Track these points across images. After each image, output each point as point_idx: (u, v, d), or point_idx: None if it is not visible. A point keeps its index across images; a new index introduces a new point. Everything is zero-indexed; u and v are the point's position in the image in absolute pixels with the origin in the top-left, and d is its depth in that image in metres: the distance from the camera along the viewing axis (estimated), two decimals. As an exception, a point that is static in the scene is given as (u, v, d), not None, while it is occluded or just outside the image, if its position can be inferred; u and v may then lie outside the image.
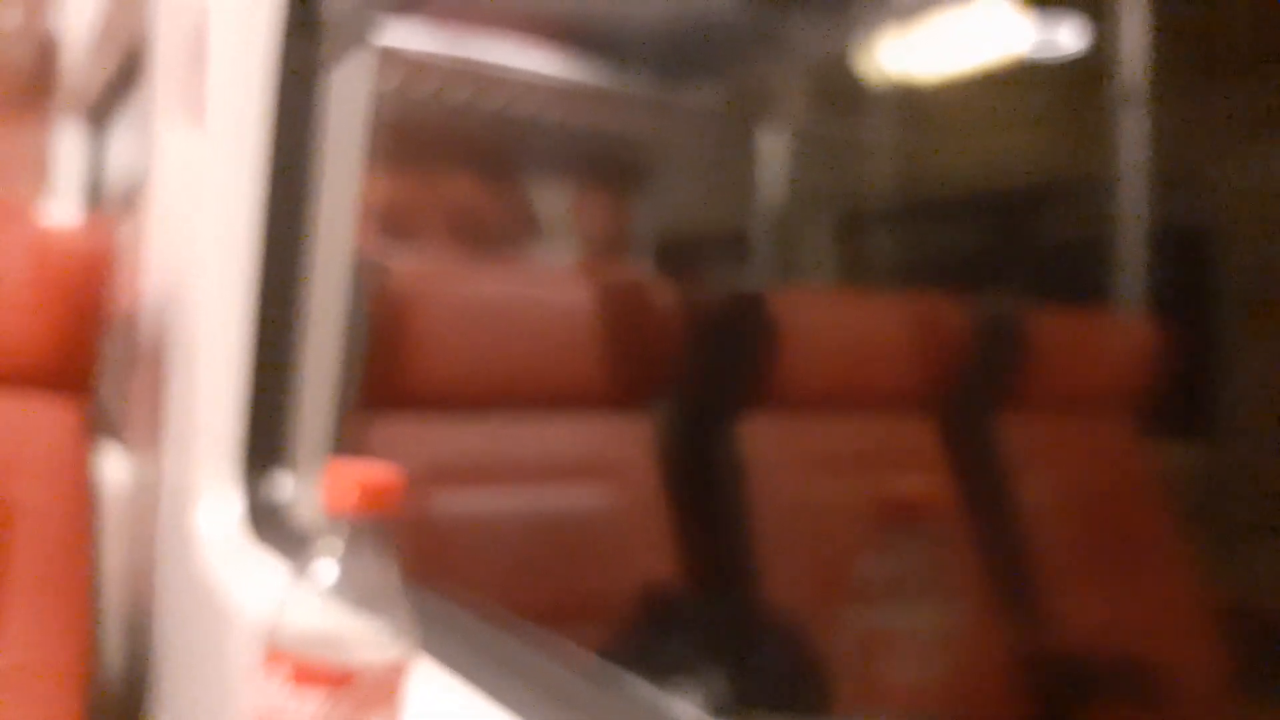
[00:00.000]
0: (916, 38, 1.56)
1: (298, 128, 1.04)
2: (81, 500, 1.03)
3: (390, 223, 1.78)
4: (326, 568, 0.51)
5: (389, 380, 1.23)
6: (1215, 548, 1.15)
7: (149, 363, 1.20)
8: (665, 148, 2.03)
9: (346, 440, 1.06)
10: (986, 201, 1.49)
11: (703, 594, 1.32)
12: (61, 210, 2.32)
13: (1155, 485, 1.34)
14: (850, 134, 1.78)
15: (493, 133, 1.88)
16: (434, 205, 1.85)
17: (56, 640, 0.97)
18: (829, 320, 1.46)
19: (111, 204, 2.10)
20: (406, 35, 1.70)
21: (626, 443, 1.37)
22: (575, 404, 1.35)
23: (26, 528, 0.98)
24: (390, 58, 1.56)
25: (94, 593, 1.03)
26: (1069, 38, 1.38)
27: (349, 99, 1.04)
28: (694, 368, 1.46)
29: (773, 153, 1.92)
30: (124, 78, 1.85)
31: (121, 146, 2.05)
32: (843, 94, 1.79)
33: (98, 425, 1.10)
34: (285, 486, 1.03)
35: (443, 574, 1.15)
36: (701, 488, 1.36)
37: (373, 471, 0.52)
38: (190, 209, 1.11)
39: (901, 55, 1.59)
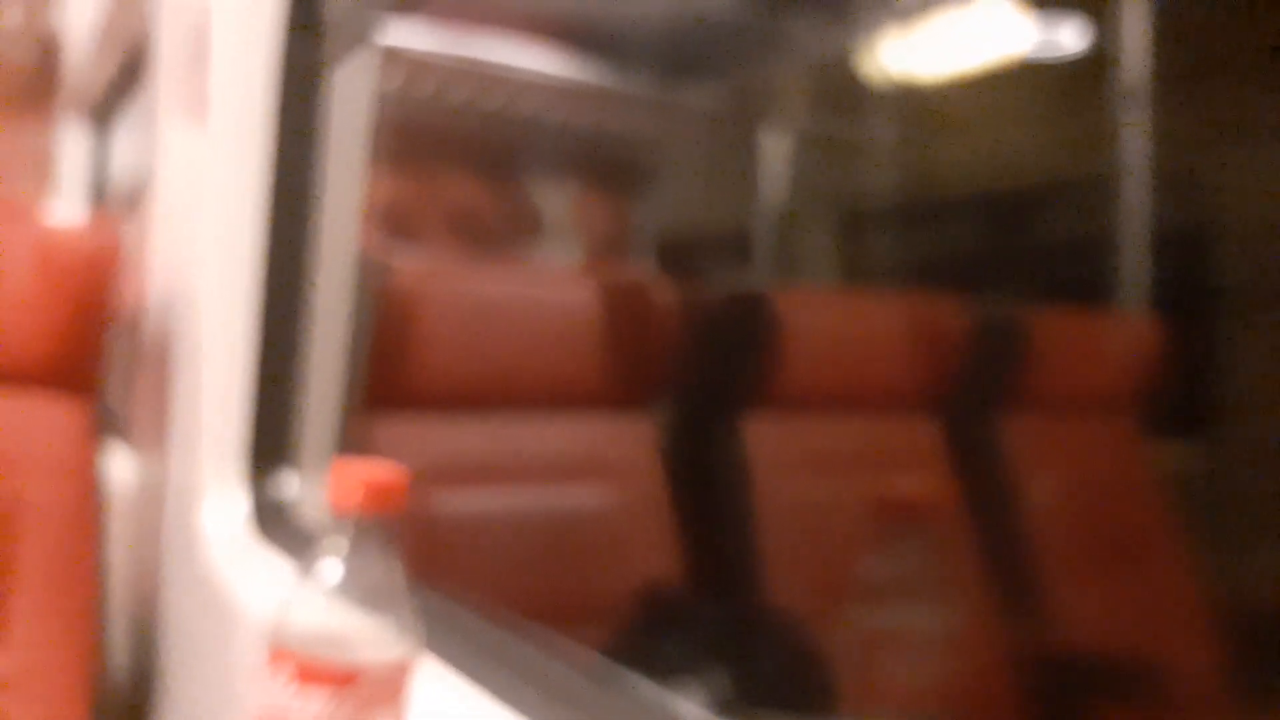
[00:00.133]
0: (918, 37, 1.56)
1: (300, 127, 1.04)
2: (87, 499, 1.03)
3: (392, 222, 1.78)
4: (331, 567, 0.51)
5: (393, 379, 1.23)
6: (1215, 548, 1.15)
7: (154, 362, 1.20)
8: (667, 148, 2.03)
9: (351, 439, 1.06)
10: (987, 201, 1.49)
11: (705, 593, 1.33)
12: (66, 209, 2.32)
13: (1155, 485, 1.34)
14: (852, 134, 1.78)
15: (495, 132, 1.88)
16: (436, 205, 1.85)
17: (62, 639, 0.97)
18: (830, 321, 1.46)
19: (115, 203, 2.10)
20: (408, 34, 1.70)
21: (629, 443, 1.37)
22: (577, 404, 1.35)
23: (32, 527, 0.99)
24: (392, 57, 1.57)
25: (99, 592, 1.03)
26: (1070, 37, 1.38)
27: (351, 98, 1.04)
28: (696, 368, 1.46)
29: (774, 153, 1.92)
30: (127, 77, 1.85)
31: (125, 145, 2.05)
32: (844, 94, 1.79)
33: (103, 424, 1.10)
34: (290, 485, 1.03)
35: (447, 573, 1.15)
36: (703, 488, 1.36)
37: (378, 470, 0.52)
38: (194, 208, 1.12)
39: (903, 55, 1.59)
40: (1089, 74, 1.37)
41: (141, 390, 1.28)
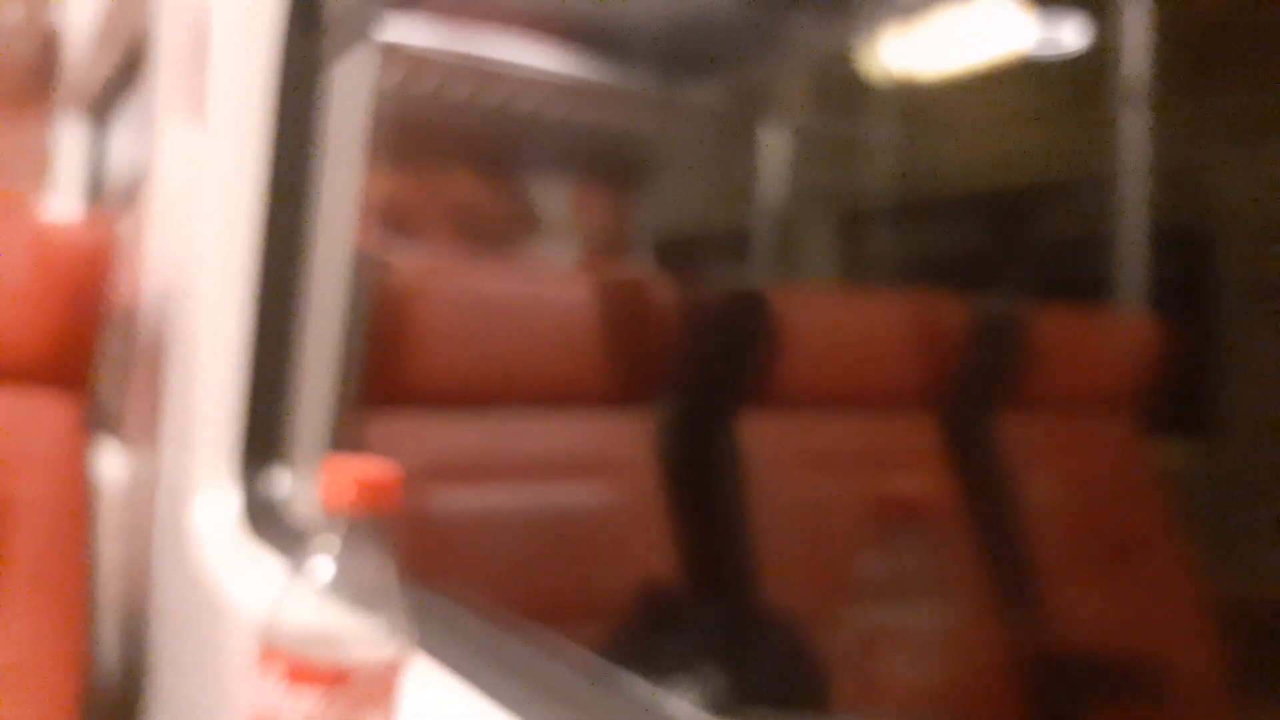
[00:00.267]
0: (918, 35, 1.56)
1: (299, 123, 1.03)
2: (79, 496, 1.03)
3: (391, 219, 1.77)
4: (323, 565, 0.51)
5: (388, 377, 1.23)
6: (1215, 547, 1.15)
7: (148, 358, 1.20)
8: (667, 145, 2.03)
9: (345, 437, 1.06)
10: (987, 200, 1.49)
11: (702, 592, 1.32)
12: (62, 205, 2.32)
13: (1155, 484, 1.34)
14: (851, 132, 1.78)
15: (494, 129, 1.88)
16: (434, 201, 1.84)
17: (52, 636, 0.97)
18: (829, 318, 1.46)
19: (112, 199, 2.10)
20: (408, 31, 1.69)
21: (626, 440, 1.37)
22: (575, 401, 1.34)
23: (23, 523, 0.98)
24: (392, 54, 1.56)
25: (90, 589, 1.03)
26: (1070, 36, 1.38)
27: (350, 95, 1.04)
28: (694, 365, 1.46)
29: (774, 150, 1.92)
30: (126, 73, 1.84)
31: (123, 142, 2.05)
32: (844, 92, 1.78)
33: (96, 421, 1.10)
34: (283, 483, 1.03)
35: (441, 572, 1.15)
36: (701, 485, 1.36)
37: (371, 468, 0.52)
38: (191, 205, 1.11)
39: (903, 53, 1.58)
40: (1089, 72, 1.37)
41: (135, 386, 1.28)
